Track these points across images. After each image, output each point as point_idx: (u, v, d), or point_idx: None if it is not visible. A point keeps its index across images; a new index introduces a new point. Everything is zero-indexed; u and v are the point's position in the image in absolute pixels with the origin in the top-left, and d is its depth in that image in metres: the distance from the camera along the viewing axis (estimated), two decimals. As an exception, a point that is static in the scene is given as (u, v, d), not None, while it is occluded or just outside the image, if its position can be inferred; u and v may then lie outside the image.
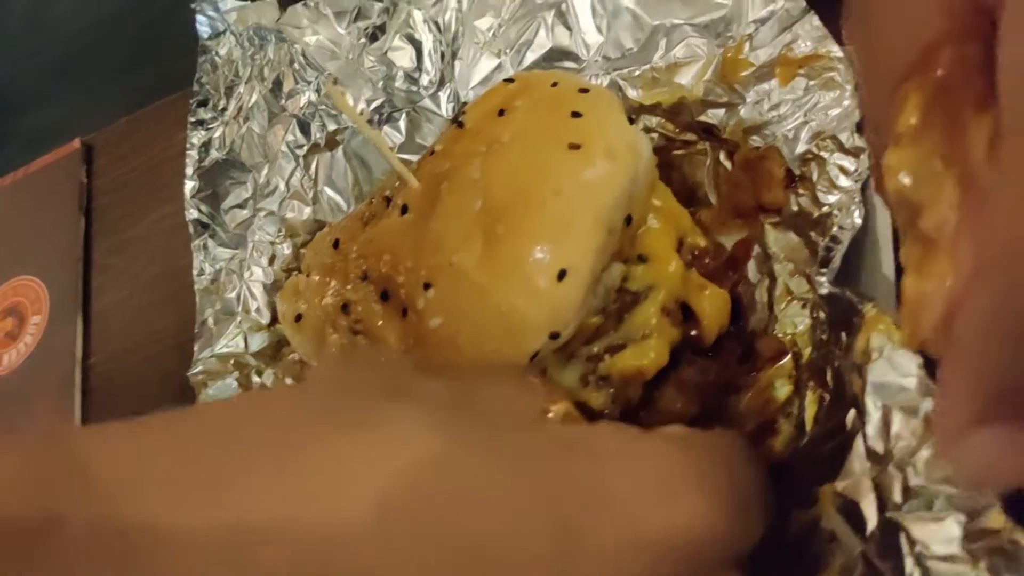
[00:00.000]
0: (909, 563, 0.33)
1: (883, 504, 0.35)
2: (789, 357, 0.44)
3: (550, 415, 0.37)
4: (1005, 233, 0.20)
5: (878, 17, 0.26)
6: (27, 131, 0.91)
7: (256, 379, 0.52)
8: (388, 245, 0.43)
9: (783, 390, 0.44)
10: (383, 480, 0.27)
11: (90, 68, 0.90)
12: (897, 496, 0.34)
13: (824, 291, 0.41)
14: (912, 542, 0.33)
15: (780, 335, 0.45)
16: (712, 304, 0.44)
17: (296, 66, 0.55)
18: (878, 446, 0.35)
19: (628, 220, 0.43)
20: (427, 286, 0.41)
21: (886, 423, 0.35)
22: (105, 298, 0.68)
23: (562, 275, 0.40)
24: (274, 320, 0.53)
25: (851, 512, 0.36)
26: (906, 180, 0.24)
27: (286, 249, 0.54)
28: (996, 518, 0.31)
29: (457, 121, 0.46)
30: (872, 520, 0.35)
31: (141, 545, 0.25)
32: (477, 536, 0.27)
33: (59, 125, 0.90)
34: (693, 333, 0.44)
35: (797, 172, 0.45)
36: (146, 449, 0.28)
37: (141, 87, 0.79)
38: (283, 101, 0.56)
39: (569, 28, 0.52)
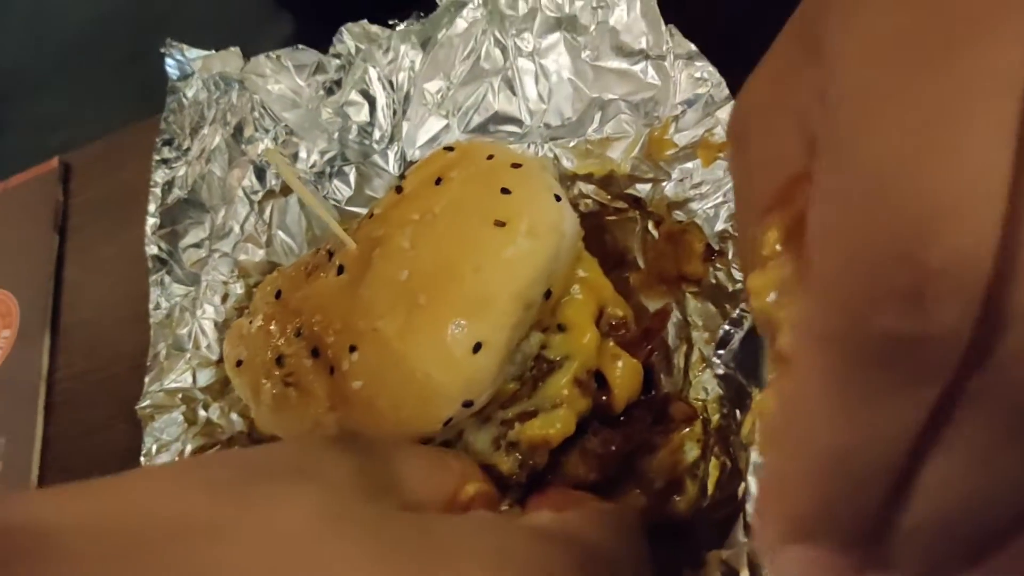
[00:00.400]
0: None
1: (754, 571, 0.38)
2: (699, 422, 0.47)
3: (463, 494, 0.39)
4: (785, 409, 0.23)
5: (748, 150, 0.28)
6: (26, 121, 0.94)
7: (203, 413, 0.54)
8: (321, 305, 0.46)
9: (692, 453, 0.47)
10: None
11: (87, 64, 0.92)
12: (768, 570, 0.37)
13: (720, 371, 0.43)
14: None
15: (693, 399, 0.48)
16: (625, 375, 0.46)
17: (256, 114, 0.58)
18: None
19: (548, 294, 0.45)
20: (352, 349, 0.44)
21: None
22: (74, 315, 0.71)
23: (477, 348, 0.42)
24: (222, 358, 0.56)
25: (739, 586, 0.39)
26: (767, 301, 0.26)
27: (238, 289, 0.57)
28: None
29: (397, 186, 0.49)
30: None
31: None
32: None
33: (54, 119, 0.93)
34: (604, 399, 0.46)
35: (716, 247, 0.48)
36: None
37: (139, 85, 0.82)
38: (243, 146, 0.58)
39: (514, 94, 0.54)
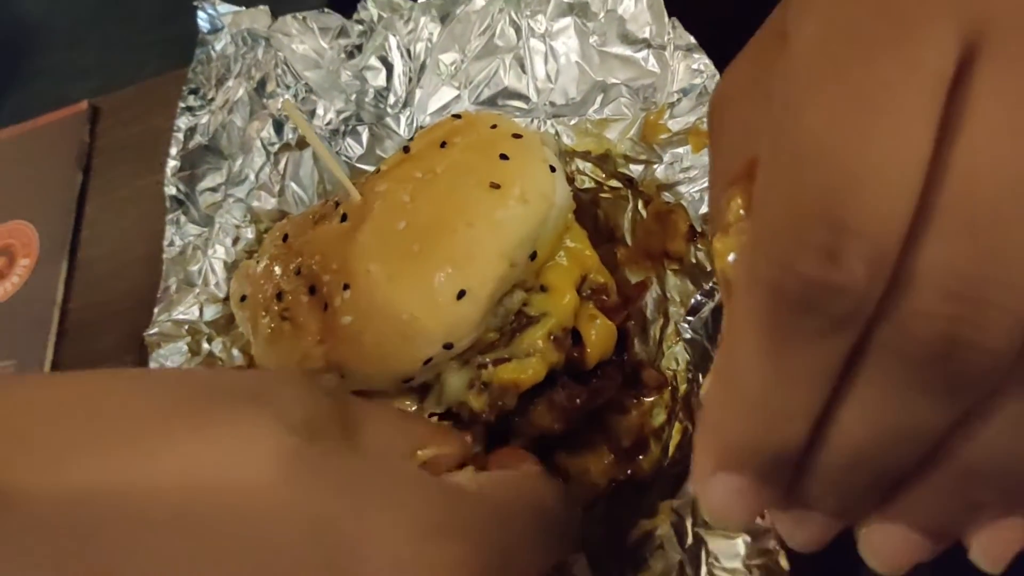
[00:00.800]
0: (703, 572, 0.39)
1: (696, 521, 0.41)
2: (668, 390, 0.50)
3: (417, 456, 0.37)
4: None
5: (725, 128, 0.31)
6: (53, 71, 0.97)
7: (206, 346, 0.58)
8: (322, 247, 0.49)
9: (659, 418, 0.50)
10: (201, 476, 0.29)
11: (122, 16, 0.96)
12: (700, 501, 0.40)
13: (687, 336, 0.46)
14: (708, 554, 0.39)
15: (665, 368, 0.51)
16: (599, 334, 0.49)
17: (279, 71, 0.61)
18: None
19: (533, 256, 0.48)
20: (346, 287, 0.47)
21: None
22: (90, 251, 0.74)
23: (461, 295, 0.45)
24: (229, 296, 0.59)
25: (679, 527, 0.42)
26: (728, 260, 0.30)
27: (249, 233, 0.60)
28: (771, 542, 0.37)
29: (405, 147, 0.52)
30: (689, 535, 0.41)
31: None
32: (246, 546, 0.29)
33: (87, 67, 0.96)
34: (576, 355, 0.49)
35: (699, 229, 0.51)
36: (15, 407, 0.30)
37: (170, 38, 0.85)
38: (264, 100, 0.61)
39: (524, 72, 0.57)
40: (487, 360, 0.47)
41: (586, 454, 0.50)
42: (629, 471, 0.50)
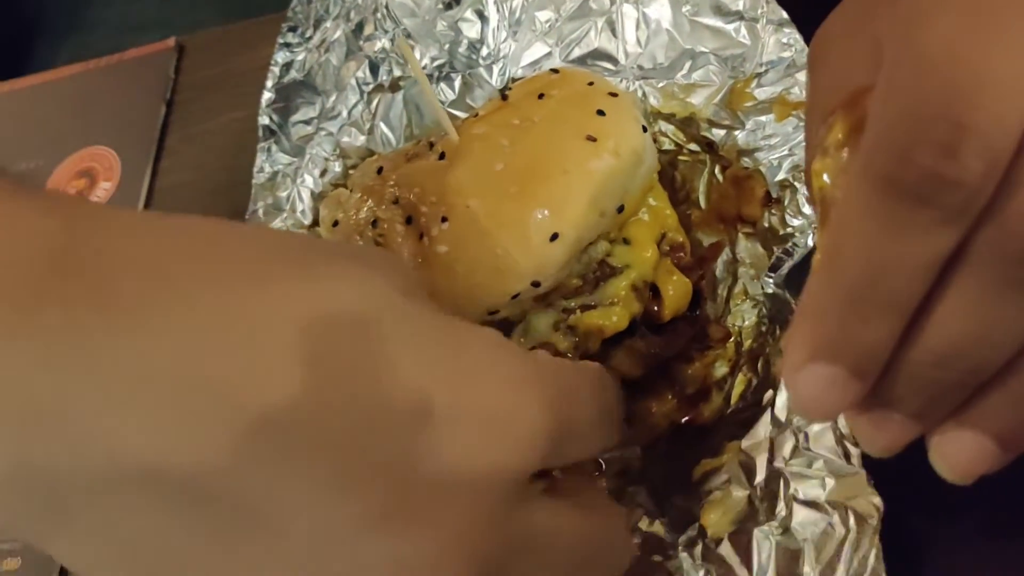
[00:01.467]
0: (781, 504, 0.41)
1: (773, 458, 0.43)
2: (732, 344, 0.53)
3: None
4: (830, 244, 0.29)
5: (827, 65, 0.34)
6: (115, 21, 0.99)
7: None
8: (421, 180, 0.52)
9: (721, 370, 0.53)
10: (322, 312, 0.29)
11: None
12: (786, 453, 0.43)
13: (770, 290, 0.49)
14: (788, 487, 0.42)
15: (730, 325, 0.54)
16: (676, 289, 0.52)
17: (378, 15, 0.64)
18: (782, 415, 0.44)
19: (620, 208, 0.51)
20: (444, 219, 0.50)
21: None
22: (170, 178, 0.77)
23: (553, 237, 0.48)
24: (314, 223, 0.62)
25: (748, 465, 0.45)
26: (825, 180, 0.32)
27: (337, 167, 0.63)
28: (858, 483, 0.40)
29: (503, 94, 0.55)
30: (762, 472, 0.44)
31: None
32: (355, 400, 0.29)
33: (146, 21, 0.98)
34: (655, 308, 0.52)
35: (774, 195, 0.53)
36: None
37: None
38: (361, 42, 0.64)
39: (615, 35, 0.60)
40: (573, 305, 0.50)
41: (650, 398, 0.53)
42: (690, 416, 0.53)
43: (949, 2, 0.26)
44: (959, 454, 0.30)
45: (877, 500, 0.38)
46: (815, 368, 0.29)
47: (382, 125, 0.63)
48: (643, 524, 0.47)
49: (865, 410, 0.31)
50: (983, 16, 0.25)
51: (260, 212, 0.62)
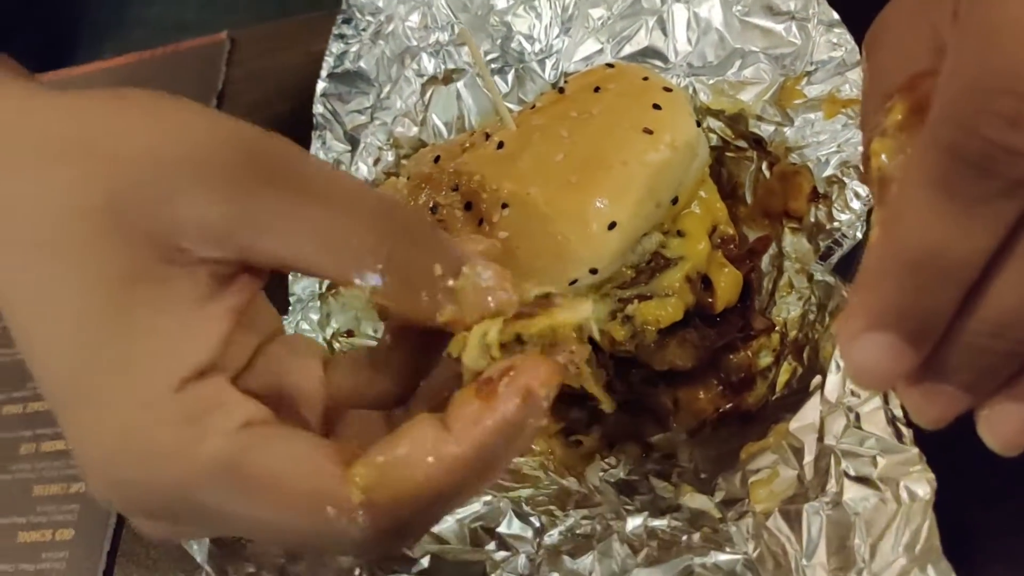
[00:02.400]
0: (832, 481, 0.43)
1: (822, 436, 0.45)
2: (776, 335, 0.55)
3: None
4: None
5: (885, 50, 0.35)
6: (156, 21, 1.01)
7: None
8: (480, 168, 0.54)
9: (765, 359, 0.55)
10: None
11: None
12: (837, 432, 0.44)
13: (819, 277, 0.51)
14: (839, 464, 0.43)
15: (774, 317, 0.55)
16: (727, 281, 0.54)
17: (433, 9, 0.66)
18: (832, 396, 0.46)
19: (675, 200, 0.53)
20: (504, 206, 0.51)
21: (844, 380, 0.45)
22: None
23: (612, 226, 0.50)
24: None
25: (795, 446, 0.46)
26: (884, 159, 0.34)
27: (390, 156, 0.65)
28: (910, 461, 0.41)
29: (559, 87, 0.56)
30: (811, 452, 0.45)
31: None
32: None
33: (187, 21, 1.00)
34: (710, 300, 0.54)
35: (821, 190, 0.55)
36: None
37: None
38: (416, 35, 0.66)
39: (665, 34, 0.62)
40: (629, 295, 0.52)
41: (696, 385, 0.55)
42: (734, 403, 0.54)
43: None
44: (1007, 425, 0.32)
45: (931, 476, 0.40)
46: (872, 336, 0.30)
47: (434, 116, 0.65)
48: (690, 500, 0.49)
49: (917, 381, 0.32)
50: None
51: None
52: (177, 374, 0.33)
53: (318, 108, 0.66)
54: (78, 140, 0.35)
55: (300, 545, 0.34)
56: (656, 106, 0.53)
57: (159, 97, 0.37)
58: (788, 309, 0.55)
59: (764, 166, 0.58)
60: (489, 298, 0.34)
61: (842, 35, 0.56)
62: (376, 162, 0.65)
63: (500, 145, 0.55)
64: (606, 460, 0.54)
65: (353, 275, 0.33)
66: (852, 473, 0.42)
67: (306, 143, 0.67)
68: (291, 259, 0.34)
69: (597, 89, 0.55)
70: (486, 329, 0.34)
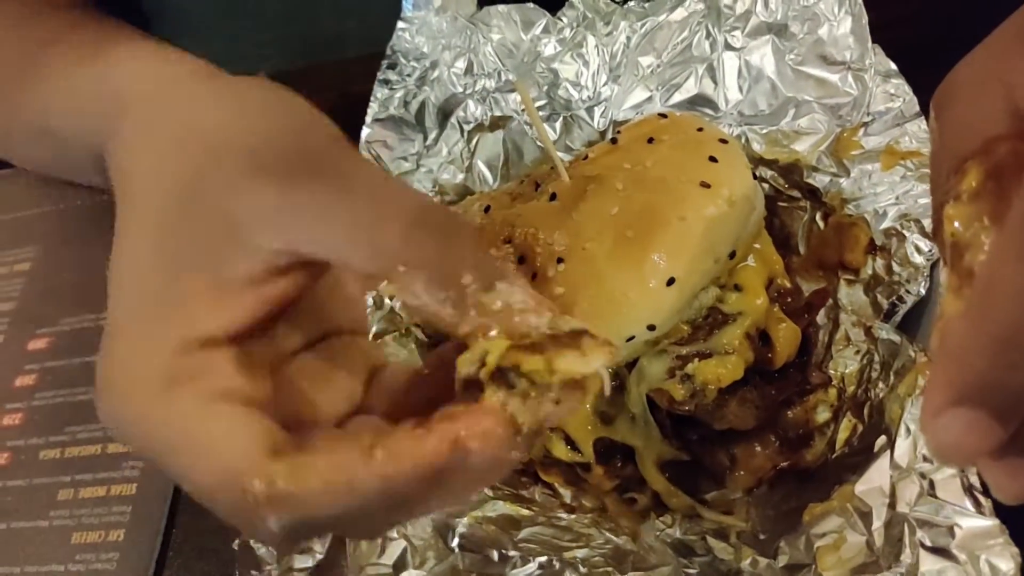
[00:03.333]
0: (907, 551, 0.42)
1: (894, 503, 0.44)
2: (834, 390, 0.54)
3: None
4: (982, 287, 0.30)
5: (957, 110, 0.35)
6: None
7: (387, 302, 0.61)
8: (533, 221, 0.53)
9: (823, 415, 0.54)
10: None
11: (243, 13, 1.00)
12: (910, 498, 0.43)
13: (884, 336, 0.50)
14: (913, 533, 0.42)
15: (831, 371, 0.54)
16: (786, 336, 0.53)
17: (480, 56, 0.65)
18: (903, 460, 0.45)
19: (732, 255, 0.52)
20: (560, 260, 0.51)
21: (915, 444, 0.44)
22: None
23: (670, 282, 0.49)
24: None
25: (862, 510, 0.45)
26: (958, 226, 0.33)
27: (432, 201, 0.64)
28: (991, 533, 0.40)
29: (612, 138, 0.56)
30: (880, 518, 0.44)
31: None
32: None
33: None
34: (769, 356, 0.53)
35: (879, 243, 0.54)
36: None
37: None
38: (462, 81, 0.66)
39: (715, 82, 0.61)
40: (687, 352, 0.51)
41: (752, 440, 0.54)
42: (792, 460, 0.53)
43: None
44: None
45: (1015, 551, 0.39)
46: (958, 412, 0.30)
47: (480, 163, 0.65)
48: (751, 565, 0.48)
49: (1000, 456, 0.32)
50: None
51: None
52: (185, 336, 0.36)
53: (364, 154, 0.66)
54: (187, 125, 0.40)
55: (225, 516, 0.37)
56: (712, 158, 0.52)
57: (261, 87, 0.41)
58: (845, 363, 0.54)
59: (818, 216, 0.58)
60: (516, 318, 0.34)
61: (900, 86, 0.55)
62: (421, 210, 0.64)
63: (553, 196, 0.54)
64: (661, 519, 0.53)
65: (377, 269, 0.35)
66: (928, 543, 0.41)
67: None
68: (324, 251, 0.36)
69: (651, 140, 0.55)
70: (491, 347, 0.33)
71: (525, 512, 0.53)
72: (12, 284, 0.85)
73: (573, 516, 0.53)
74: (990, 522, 0.40)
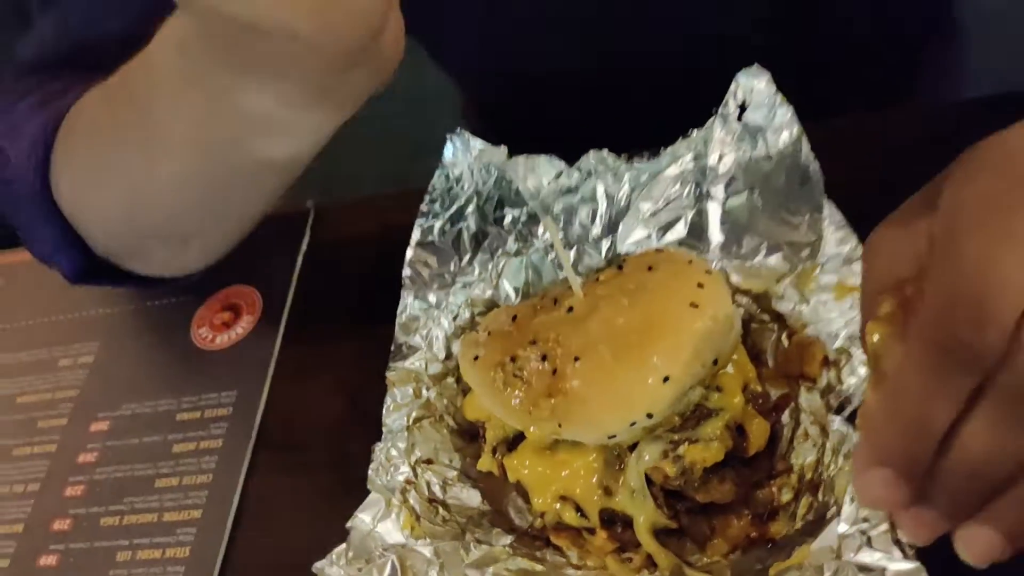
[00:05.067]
0: None
1: (840, 555, 0.55)
2: (795, 475, 0.65)
3: None
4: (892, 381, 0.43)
5: (880, 258, 0.48)
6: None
7: (425, 392, 0.74)
8: (554, 328, 0.66)
9: (786, 496, 0.65)
10: None
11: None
12: (852, 550, 0.55)
13: (835, 427, 0.62)
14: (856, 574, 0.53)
15: (793, 461, 0.66)
16: (758, 430, 0.65)
17: (508, 195, 0.79)
18: (848, 522, 0.56)
19: (715, 362, 0.65)
20: (576, 359, 0.63)
21: (857, 510, 0.56)
22: (306, 315, 0.91)
23: (666, 380, 0.62)
24: (447, 357, 0.75)
25: (816, 564, 0.56)
26: (876, 339, 0.46)
27: (466, 314, 0.77)
28: (914, 571, 0.51)
29: (618, 265, 0.69)
30: (831, 568, 0.55)
31: None
32: None
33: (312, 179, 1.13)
34: (744, 445, 0.65)
35: (832, 358, 0.67)
36: None
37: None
38: (492, 215, 0.79)
39: (702, 226, 0.75)
40: (678, 438, 0.63)
41: (730, 515, 0.65)
42: (760, 532, 0.65)
43: (979, 226, 0.40)
44: (976, 546, 0.43)
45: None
46: (877, 471, 0.43)
47: (505, 282, 0.78)
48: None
49: (909, 508, 0.44)
50: (999, 240, 0.39)
51: (404, 346, 0.76)
52: None
53: (406, 271, 0.79)
54: None
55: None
56: (700, 285, 0.66)
57: None
58: (804, 455, 0.66)
59: (783, 336, 0.71)
60: None
61: (848, 235, 0.69)
62: (454, 318, 0.77)
63: (570, 309, 0.67)
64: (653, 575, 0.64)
65: None
66: (870, 584, 0.53)
67: (388, 302, 0.79)
68: None
69: (650, 268, 0.68)
70: None
71: (539, 568, 0.64)
72: (76, 374, 0.95)
73: (580, 572, 0.64)
74: (912, 564, 0.52)
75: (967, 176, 0.43)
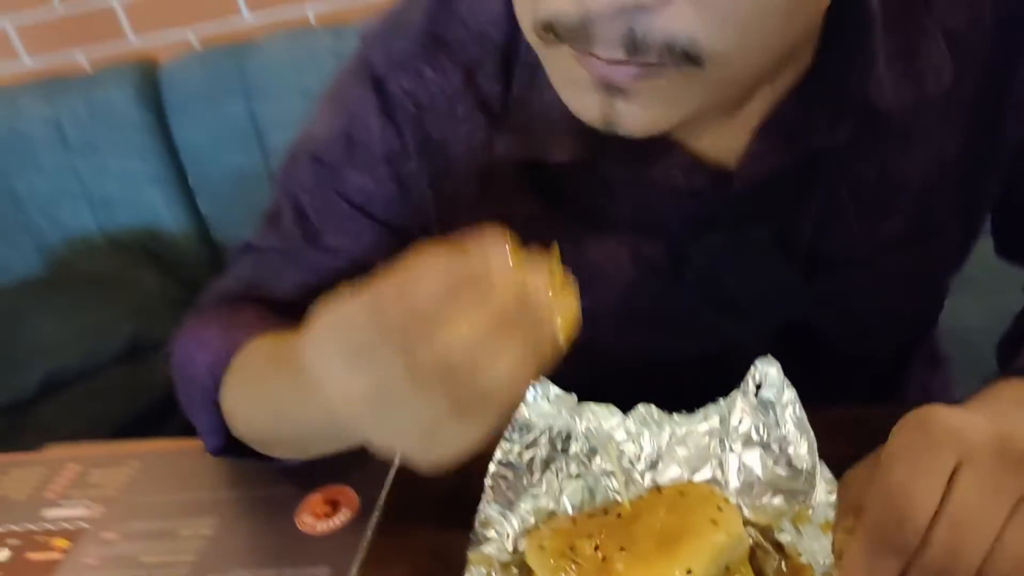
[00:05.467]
0: None
1: None
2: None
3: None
4: None
5: (847, 495, 0.72)
6: None
7: (494, 574, 0.93)
8: (606, 527, 0.87)
9: None
10: None
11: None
12: None
13: None
14: None
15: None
16: (760, 632, 0.84)
17: (573, 431, 1.02)
18: None
19: (727, 568, 0.84)
20: (622, 548, 0.83)
21: None
22: (397, 511, 1.11)
23: (688, 572, 0.81)
24: (513, 551, 0.95)
25: None
26: (839, 539, 0.68)
27: (531, 520, 0.97)
28: None
29: (657, 487, 0.91)
30: None
31: None
32: None
33: None
34: (746, 621, 0.83)
35: (819, 579, 0.86)
36: None
37: None
38: (560, 446, 1.01)
39: (723, 471, 0.97)
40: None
41: None
42: None
43: (900, 463, 0.63)
44: None
45: None
46: None
47: (565, 498, 0.99)
48: None
49: None
50: (919, 470, 0.62)
51: (481, 538, 0.96)
52: None
53: (488, 482, 1.00)
54: None
55: None
56: (719, 508, 0.87)
57: None
58: (795, 638, 0.84)
59: (782, 563, 0.90)
60: None
61: (835, 488, 0.91)
62: (523, 523, 0.98)
63: (619, 515, 0.88)
64: None
65: None
66: None
67: (465, 509, 0.99)
68: None
69: (682, 494, 0.90)
70: None
71: None
72: (193, 543, 1.14)
73: None
74: None
75: (901, 431, 0.67)
